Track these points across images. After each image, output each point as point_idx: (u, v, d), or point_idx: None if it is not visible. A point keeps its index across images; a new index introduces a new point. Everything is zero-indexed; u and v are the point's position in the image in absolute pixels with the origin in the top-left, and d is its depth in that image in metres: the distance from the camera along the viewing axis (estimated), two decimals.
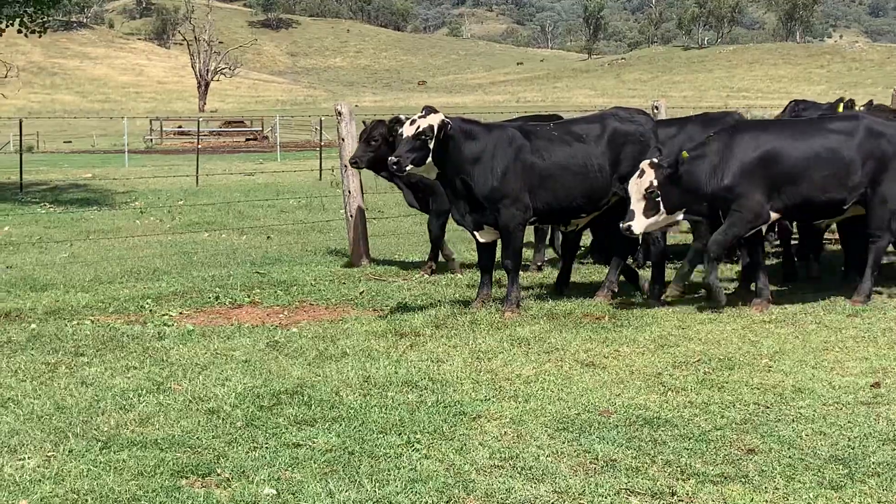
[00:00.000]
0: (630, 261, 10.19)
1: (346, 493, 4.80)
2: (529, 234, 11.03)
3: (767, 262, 9.79)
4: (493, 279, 9.46)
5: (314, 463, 5.19)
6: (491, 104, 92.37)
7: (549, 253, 11.90)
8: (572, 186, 9.12)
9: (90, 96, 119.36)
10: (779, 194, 8.68)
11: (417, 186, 11.19)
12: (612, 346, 7.56)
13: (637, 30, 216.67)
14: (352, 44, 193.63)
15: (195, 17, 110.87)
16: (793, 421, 5.78)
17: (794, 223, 10.75)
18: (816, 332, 7.91)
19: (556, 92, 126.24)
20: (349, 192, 12.01)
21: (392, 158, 8.62)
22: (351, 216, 12.04)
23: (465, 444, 5.46)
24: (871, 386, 6.44)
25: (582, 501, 4.75)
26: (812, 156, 8.70)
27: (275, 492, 4.83)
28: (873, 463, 5.12)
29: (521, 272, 9.27)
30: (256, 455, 5.32)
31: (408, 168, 8.66)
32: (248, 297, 9.96)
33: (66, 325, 8.60)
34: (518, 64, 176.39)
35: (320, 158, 30.40)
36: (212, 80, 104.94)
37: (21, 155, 28.20)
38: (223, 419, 5.91)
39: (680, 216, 8.85)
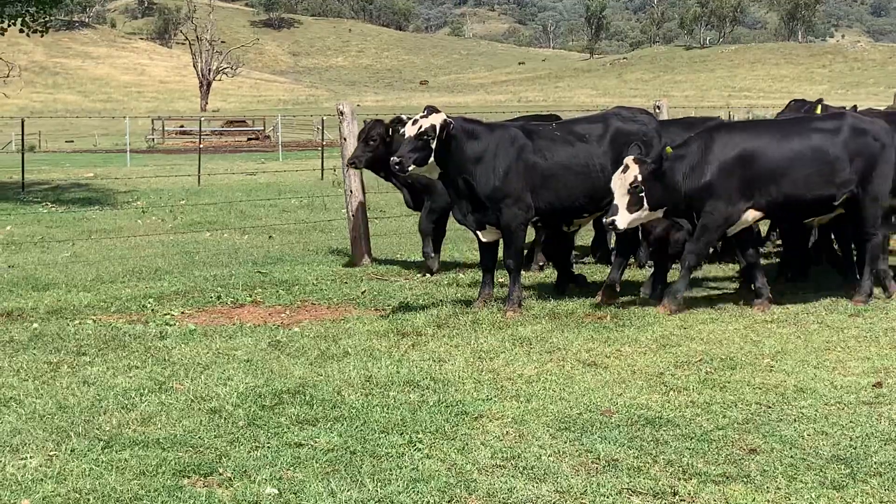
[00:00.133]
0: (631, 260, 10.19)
1: (348, 493, 4.80)
2: (529, 234, 11.02)
3: (766, 263, 9.79)
4: (495, 279, 9.46)
5: (316, 462, 5.19)
6: (493, 104, 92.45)
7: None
8: (574, 186, 9.11)
9: (92, 96, 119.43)
10: (760, 194, 8.66)
11: (414, 186, 11.19)
12: (614, 346, 7.55)
13: (639, 29, 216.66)
14: (354, 43, 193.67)
15: (197, 17, 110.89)
16: (795, 421, 5.78)
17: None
18: (818, 332, 7.91)
19: (558, 91, 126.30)
20: (351, 191, 12.02)
21: (395, 159, 8.62)
22: (353, 216, 12.04)
23: (467, 444, 5.46)
24: (873, 386, 6.43)
25: (584, 501, 4.75)
26: (794, 155, 8.68)
27: (277, 491, 4.83)
28: (875, 463, 5.12)
29: (522, 271, 9.27)
30: (258, 454, 5.32)
31: (410, 168, 8.65)
32: (250, 296, 9.96)
33: (68, 325, 8.61)
34: (520, 64, 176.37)
35: (322, 158, 30.40)
36: (214, 79, 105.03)
37: (23, 154, 28.20)
38: (225, 419, 5.92)
39: (660, 213, 8.82)
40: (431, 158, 8.65)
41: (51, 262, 12.56)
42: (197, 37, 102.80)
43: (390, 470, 5.08)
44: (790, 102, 12.11)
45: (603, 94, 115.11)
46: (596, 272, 10.95)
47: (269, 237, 15.22)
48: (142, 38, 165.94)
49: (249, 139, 64.34)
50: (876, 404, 6.07)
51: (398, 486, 4.88)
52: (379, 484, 4.90)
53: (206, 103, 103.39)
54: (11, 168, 30.48)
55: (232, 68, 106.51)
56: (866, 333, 7.83)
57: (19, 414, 6.05)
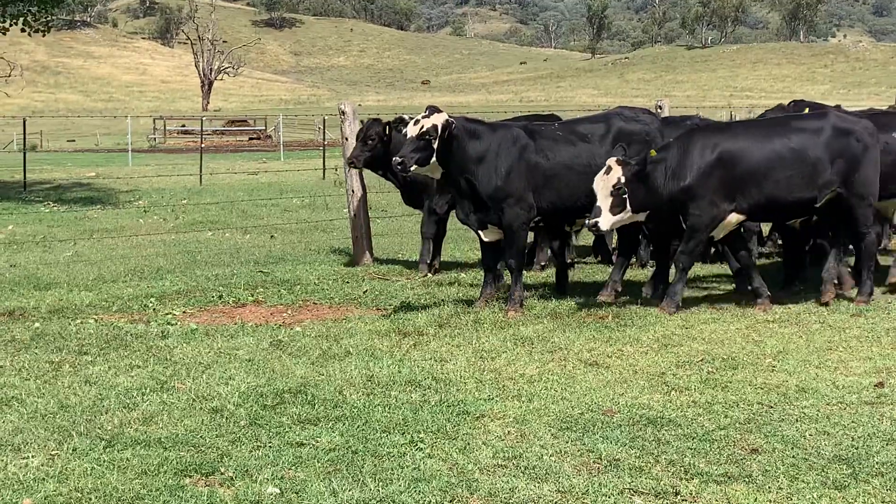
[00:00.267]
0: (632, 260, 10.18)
1: (350, 493, 4.80)
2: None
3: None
4: (497, 278, 9.46)
5: (317, 462, 5.19)
6: (494, 104, 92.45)
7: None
8: (577, 186, 9.10)
9: (94, 95, 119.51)
10: (742, 195, 8.61)
11: (413, 186, 11.18)
12: (615, 346, 7.55)
13: (640, 29, 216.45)
14: (355, 43, 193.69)
15: (199, 17, 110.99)
16: (796, 421, 5.78)
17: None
18: (820, 332, 7.91)
19: (560, 91, 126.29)
20: (352, 191, 12.02)
21: (397, 159, 8.62)
22: (354, 215, 12.04)
23: (469, 444, 5.46)
24: (875, 386, 6.43)
25: (585, 501, 4.75)
26: (774, 156, 8.63)
27: (278, 491, 4.83)
28: (877, 463, 5.12)
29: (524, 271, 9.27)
30: (260, 454, 5.32)
31: (412, 168, 8.66)
32: (252, 296, 9.96)
33: (69, 324, 8.61)
34: (521, 63, 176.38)
35: (323, 157, 30.42)
36: (215, 79, 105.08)
37: (25, 154, 28.26)
38: (227, 418, 5.92)
39: (643, 216, 8.80)
40: (434, 158, 8.66)
41: (52, 262, 12.57)
42: (199, 36, 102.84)
43: (392, 469, 5.08)
44: (790, 103, 12.09)
45: (605, 94, 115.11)
46: (597, 272, 10.95)
47: (271, 237, 15.22)
48: (143, 38, 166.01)
49: (251, 139, 64.38)
50: (878, 404, 6.07)
51: (400, 485, 4.88)
52: (380, 483, 4.90)
53: (208, 103, 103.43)
54: (13, 167, 30.51)
55: (233, 68, 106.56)
56: (868, 333, 7.82)
57: (21, 413, 6.05)
